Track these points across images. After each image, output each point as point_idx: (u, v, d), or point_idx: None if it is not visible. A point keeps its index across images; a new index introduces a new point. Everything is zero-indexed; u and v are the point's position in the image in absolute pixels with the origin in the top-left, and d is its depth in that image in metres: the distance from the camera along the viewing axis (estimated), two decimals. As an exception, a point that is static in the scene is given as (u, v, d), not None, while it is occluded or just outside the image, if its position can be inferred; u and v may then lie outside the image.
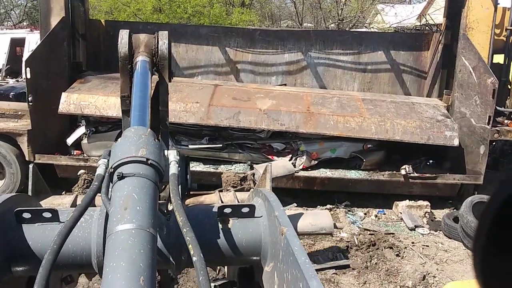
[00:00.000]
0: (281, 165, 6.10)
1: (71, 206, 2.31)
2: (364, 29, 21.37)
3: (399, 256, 5.84)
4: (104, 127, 7.39)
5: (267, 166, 2.79)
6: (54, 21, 7.04)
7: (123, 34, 2.06)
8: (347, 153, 7.12)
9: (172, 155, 1.65)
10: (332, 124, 6.65)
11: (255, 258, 1.71)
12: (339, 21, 20.33)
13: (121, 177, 1.39)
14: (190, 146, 6.96)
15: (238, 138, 7.30)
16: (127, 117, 1.97)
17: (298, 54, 8.51)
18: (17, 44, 17.64)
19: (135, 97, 1.93)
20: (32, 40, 15.51)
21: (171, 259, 1.64)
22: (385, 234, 6.34)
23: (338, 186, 6.96)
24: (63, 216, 1.59)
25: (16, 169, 6.89)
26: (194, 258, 1.22)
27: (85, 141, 7.24)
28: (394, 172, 6.98)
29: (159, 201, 1.57)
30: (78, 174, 3.79)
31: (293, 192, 6.99)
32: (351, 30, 18.50)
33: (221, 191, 3.02)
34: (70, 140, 7.27)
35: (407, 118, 6.79)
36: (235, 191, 3.01)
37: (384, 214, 7.12)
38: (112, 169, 1.46)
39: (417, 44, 8.46)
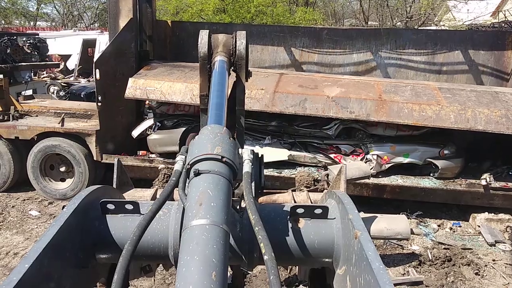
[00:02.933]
0: (356, 166, 5.76)
1: (151, 199, 2.41)
2: (434, 27, 20.32)
3: (479, 274, 5.34)
4: (170, 121, 7.40)
5: (342, 167, 2.71)
6: (123, 22, 7.12)
7: (203, 35, 2.10)
8: (422, 158, 6.64)
9: (246, 153, 1.66)
10: (406, 112, 6.16)
11: (327, 260, 1.69)
12: (407, 19, 19.41)
13: (197, 173, 1.42)
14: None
15: (304, 134, 7.03)
16: (205, 115, 2.01)
17: (368, 54, 8.11)
18: (88, 45, 18.39)
19: (212, 96, 1.96)
20: (103, 41, 16.08)
21: (243, 255, 1.65)
22: (462, 249, 5.84)
23: (410, 195, 6.51)
24: (144, 209, 1.67)
25: (85, 168, 7.03)
26: (265, 257, 1.21)
27: (151, 136, 7.27)
28: (473, 181, 6.43)
29: (233, 198, 1.60)
30: (159, 168, 3.97)
31: (360, 199, 6.63)
32: (421, 28, 17.62)
33: (294, 190, 2.99)
34: (135, 133, 7.33)
35: (490, 106, 6.15)
36: (308, 191, 2.97)
37: (460, 226, 6.59)
38: (189, 166, 1.50)
39: (499, 43, 7.79)
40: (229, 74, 2.12)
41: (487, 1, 24.26)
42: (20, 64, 12.09)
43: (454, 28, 18.94)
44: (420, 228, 6.38)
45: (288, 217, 1.68)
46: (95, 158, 6.97)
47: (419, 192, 6.46)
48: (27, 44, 12.85)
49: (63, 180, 7.37)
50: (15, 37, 12.53)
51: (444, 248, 5.83)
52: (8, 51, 11.91)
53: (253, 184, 1.67)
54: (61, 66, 21.25)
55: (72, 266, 1.54)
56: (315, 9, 24.65)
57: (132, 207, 1.66)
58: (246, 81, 2.20)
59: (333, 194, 1.82)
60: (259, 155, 2.13)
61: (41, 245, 1.35)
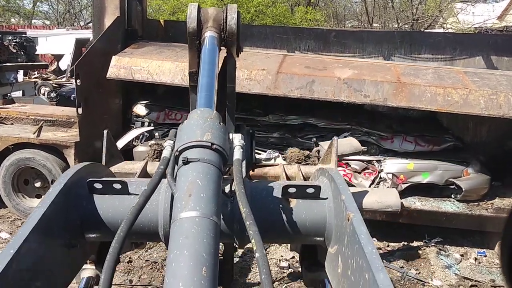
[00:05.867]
0: (347, 142, 5.23)
1: (140, 172, 2.49)
2: (441, 30, 19.58)
3: (514, 318, 4.57)
4: (159, 131, 6.64)
5: (333, 140, 2.72)
6: (108, 21, 6.36)
7: (192, 8, 2.03)
8: (443, 178, 5.86)
9: (237, 139, 1.64)
10: (429, 96, 5.40)
11: (318, 238, 1.68)
12: (413, 21, 18.66)
13: (186, 162, 1.38)
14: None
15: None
16: (194, 94, 2.01)
17: (380, 59, 7.36)
18: (82, 45, 17.54)
19: (202, 76, 1.91)
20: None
21: (234, 234, 1.65)
22: (492, 286, 5.07)
23: (429, 220, 5.74)
24: (132, 188, 1.66)
25: (63, 184, 6.24)
26: (256, 255, 1.18)
27: (137, 148, 6.50)
28: (501, 205, 5.67)
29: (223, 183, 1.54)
30: (149, 144, 3.96)
31: (371, 223, 5.84)
32: (433, 31, 16.90)
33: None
34: (120, 144, 6.53)
35: None
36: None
37: (485, 256, 5.83)
38: (178, 152, 1.45)
39: (526, 48, 7.05)
40: (220, 50, 2.07)
41: (493, 4, 23.59)
42: (4, 64, 11.32)
43: (460, 31, 18.20)
44: (441, 259, 5.61)
45: (280, 196, 1.67)
46: (74, 173, 6.18)
47: (439, 217, 5.68)
48: (13, 44, 12.07)
49: (38, 196, 6.59)
50: (0, 35, 11.77)
51: (472, 286, 5.06)
52: (-8, 50, 11.16)
53: (244, 162, 1.62)
54: (54, 66, 20.52)
55: (61, 246, 1.54)
56: (316, 9, 23.91)
57: (120, 187, 1.64)
58: (237, 56, 2.14)
59: (325, 172, 1.80)
60: (250, 131, 2.15)
61: (29, 227, 1.34)
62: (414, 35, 8.15)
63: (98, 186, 1.63)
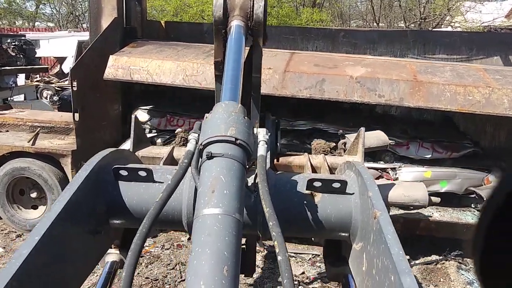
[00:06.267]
0: (374, 135, 4.87)
1: (167, 157, 2.56)
2: (449, 29, 19.18)
3: None
4: (161, 138, 6.30)
5: (360, 132, 2.58)
6: (105, 22, 6.03)
7: None
8: (462, 187, 5.49)
9: (261, 134, 1.60)
10: (448, 96, 5.05)
11: (343, 234, 1.65)
12: (421, 20, 18.25)
13: (210, 156, 1.37)
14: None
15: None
16: (219, 84, 2.01)
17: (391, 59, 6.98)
18: (84, 47, 17.29)
19: (227, 68, 1.88)
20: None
21: (257, 226, 1.63)
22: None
23: (448, 232, 5.36)
24: (157, 175, 1.67)
25: (59, 195, 5.91)
26: (279, 258, 1.15)
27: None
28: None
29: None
30: (176, 132, 3.97)
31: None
32: (442, 30, 16.50)
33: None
34: None
35: None
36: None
37: (509, 269, 5.44)
38: (202, 146, 1.44)
39: (547, 47, 6.66)
40: (246, 39, 2.02)
41: (500, 2, 23.12)
42: (3, 68, 11.04)
43: (469, 30, 17.79)
44: (462, 274, 5.25)
45: (305, 189, 1.64)
46: (71, 183, 5.86)
47: (460, 228, 5.30)
48: (12, 47, 11.80)
49: (35, 207, 6.27)
50: (-2, 39, 11.52)
51: (497, 304, 4.69)
52: (-10, 54, 10.88)
53: (268, 153, 1.58)
54: (56, 69, 20.28)
55: (86, 231, 1.58)
56: (322, 10, 23.54)
57: (145, 174, 1.65)
58: (263, 45, 2.10)
59: (352, 166, 1.75)
60: (275, 120, 2.17)
61: (54, 212, 1.35)
62: (428, 35, 7.78)
63: (124, 173, 1.65)
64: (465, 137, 6.03)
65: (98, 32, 5.98)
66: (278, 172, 1.95)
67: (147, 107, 6.47)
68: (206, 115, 1.61)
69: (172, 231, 6.07)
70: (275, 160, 2.26)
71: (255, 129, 1.60)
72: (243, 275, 2.35)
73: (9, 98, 11.62)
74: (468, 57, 6.84)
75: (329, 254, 1.93)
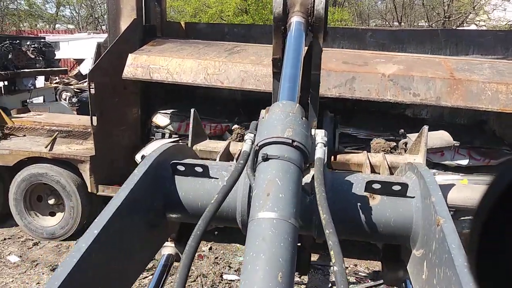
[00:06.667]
0: (438, 135, 4.77)
1: (223, 152, 2.71)
2: (474, 27, 18.62)
3: None
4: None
5: (423, 130, 2.51)
6: (124, 24, 5.83)
7: None
8: None
9: (319, 135, 1.55)
10: (489, 95, 4.72)
11: (402, 239, 1.58)
12: (445, 19, 17.73)
13: (266, 158, 1.35)
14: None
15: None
16: (277, 81, 1.98)
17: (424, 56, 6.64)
18: (103, 46, 17.23)
19: (286, 65, 1.84)
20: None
21: (313, 226, 1.59)
22: None
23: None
24: (213, 171, 1.68)
25: (77, 202, 5.74)
26: (335, 268, 1.10)
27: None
28: None
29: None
30: (233, 128, 3.95)
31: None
32: (464, 28, 15.99)
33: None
34: (139, 157, 6.00)
35: None
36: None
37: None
38: (258, 147, 1.42)
39: None
40: (306, 35, 1.98)
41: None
42: (22, 70, 10.97)
43: (496, 28, 17.23)
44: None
45: (363, 191, 1.59)
46: (89, 190, 5.68)
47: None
48: (31, 49, 11.73)
49: (52, 214, 6.10)
50: (18, 41, 11.42)
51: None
52: (10, 56, 10.81)
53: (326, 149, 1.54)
54: (76, 71, 20.32)
55: (143, 225, 1.60)
56: (344, 9, 23.15)
57: (201, 170, 1.66)
58: (324, 41, 2.06)
59: (414, 168, 1.68)
60: (334, 118, 2.25)
61: (113, 207, 1.38)
62: (460, 34, 7.40)
63: (181, 168, 1.66)
64: (503, 143, 5.67)
65: (117, 34, 5.79)
66: (335, 171, 1.85)
67: (167, 111, 6.25)
68: (263, 113, 1.58)
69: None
70: (332, 158, 2.16)
71: (313, 130, 1.55)
72: (297, 273, 2.33)
73: (28, 100, 11.57)
74: (504, 57, 6.45)
75: (387, 258, 1.86)
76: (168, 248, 1.97)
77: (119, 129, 5.91)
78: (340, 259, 1.12)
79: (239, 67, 5.33)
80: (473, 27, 19.78)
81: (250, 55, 5.62)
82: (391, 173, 3.02)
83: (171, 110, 6.27)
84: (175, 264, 1.84)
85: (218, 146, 2.66)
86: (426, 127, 2.53)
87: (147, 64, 5.52)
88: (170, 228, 1.91)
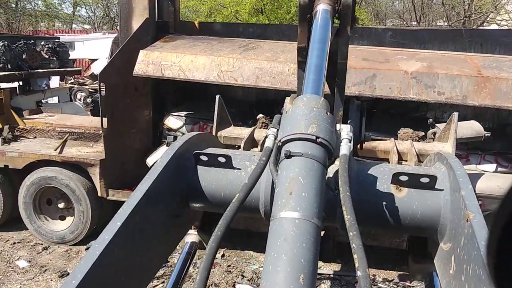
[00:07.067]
0: (468, 125, 4.54)
1: (247, 138, 2.77)
2: (493, 27, 18.14)
3: None
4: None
5: (452, 116, 2.43)
6: (136, 23, 5.67)
7: None
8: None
9: (345, 131, 1.51)
10: None
11: (429, 232, 1.54)
12: (465, 18, 17.29)
13: (289, 155, 1.32)
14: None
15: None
16: (302, 71, 1.93)
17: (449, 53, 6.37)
18: (115, 43, 17.18)
19: (311, 55, 1.76)
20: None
21: (337, 217, 1.53)
22: None
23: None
24: (236, 162, 1.67)
25: (87, 206, 5.60)
26: (358, 273, 1.06)
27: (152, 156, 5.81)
28: None
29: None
30: (257, 118, 3.87)
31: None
32: (483, 28, 15.58)
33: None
34: (150, 160, 5.85)
35: None
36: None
37: None
38: (280, 143, 1.40)
39: None
40: (333, 24, 1.92)
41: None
42: (36, 71, 10.92)
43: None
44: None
45: (390, 182, 1.54)
46: (99, 194, 5.53)
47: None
48: (45, 49, 11.69)
49: (62, 218, 5.97)
50: (32, 41, 11.38)
51: None
52: (24, 56, 10.77)
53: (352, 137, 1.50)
54: (91, 71, 20.34)
55: (166, 215, 1.60)
56: (361, 8, 22.81)
57: (224, 160, 1.65)
58: (351, 29, 1.98)
59: (444, 159, 1.62)
60: (360, 105, 2.10)
61: (137, 198, 1.38)
62: (485, 33, 7.08)
63: (204, 158, 1.65)
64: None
65: (129, 34, 5.63)
66: (361, 160, 1.79)
67: (180, 114, 6.07)
68: (287, 101, 1.53)
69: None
70: (358, 146, 2.04)
71: (338, 125, 1.50)
72: (322, 261, 2.19)
73: (42, 101, 11.54)
74: (532, 58, 6.14)
75: (413, 249, 1.83)
76: (192, 235, 1.96)
77: (130, 131, 5.76)
78: (364, 264, 1.07)
79: (254, 64, 5.12)
80: (493, 26, 19.29)
81: (265, 51, 5.41)
82: (419, 161, 2.95)
83: (184, 113, 6.10)
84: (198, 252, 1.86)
85: (243, 132, 2.61)
86: (456, 114, 2.45)
87: (158, 61, 5.35)
88: (193, 216, 1.91)
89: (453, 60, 5.09)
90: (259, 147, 3.11)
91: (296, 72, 5.08)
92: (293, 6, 18.01)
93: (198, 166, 1.69)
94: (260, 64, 5.09)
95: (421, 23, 22.11)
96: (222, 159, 1.66)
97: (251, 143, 3.14)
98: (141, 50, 5.42)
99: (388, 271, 5.33)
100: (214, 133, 3.29)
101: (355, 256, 1.12)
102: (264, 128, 3.98)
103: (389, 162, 3.23)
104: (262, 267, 5.27)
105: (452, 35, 6.56)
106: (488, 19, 20.57)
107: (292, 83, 4.95)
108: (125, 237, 1.31)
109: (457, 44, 6.39)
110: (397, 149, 2.65)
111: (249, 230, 5.36)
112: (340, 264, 5.32)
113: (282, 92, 4.98)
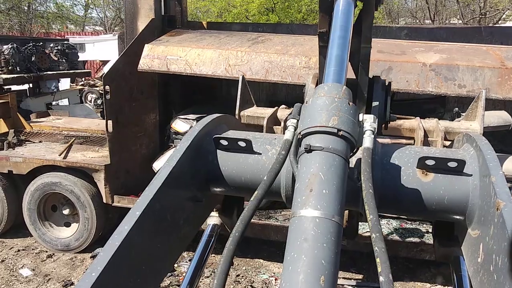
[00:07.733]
0: (496, 114, 4.47)
1: (269, 117, 2.77)
2: (510, 24, 17.70)
3: None
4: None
5: (480, 94, 2.39)
6: (142, 24, 5.50)
7: None
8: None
9: (368, 122, 1.39)
10: None
11: (457, 217, 1.47)
12: (480, 16, 16.88)
13: (309, 150, 1.27)
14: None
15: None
16: (323, 57, 1.91)
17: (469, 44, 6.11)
18: (120, 38, 17.12)
19: (332, 41, 1.68)
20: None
21: (360, 204, 1.42)
22: None
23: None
24: (256, 146, 1.63)
25: (91, 213, 5.43)
26: (381, 278, 1.00)
27: (158, 161, 5.64)
28: None
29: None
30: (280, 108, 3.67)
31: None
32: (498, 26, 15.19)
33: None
34: (156, 165, 5.68)
35: None
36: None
37: None
38: (300, 136, 1.36)
39: None
40: (355, 6, 1.83)
41: None
42: (45, 73, 10.84)
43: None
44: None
45: (415, 166, 1.47)
46: (104, 201, 5.37)
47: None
48: (55, 51, 11.62)
49: (67, 224, 5.82)
50: (41, 43, 11.31)
51: None
52: (33, 58, 10.70)
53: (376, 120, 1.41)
54: (101, 73, 20.32)
55: (188, 198, 1.59)
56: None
57: (244, 145, 1.62)
58: (376, 10, 1.91)
59: (473, 141, 1.52)
60: (385, 84, 2.02)
61: (158, 182, 1.36)
62: (506, 31, 6.79)
63: (224, 142, 1.62)
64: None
65: (134, 34, 5.47)
66: (385, 142, 1.75)
67: (187, 117, 5.89)
68: (309, 81, 1.51)
69: (213, 255, 5.47)
70: (384, 126, 2.14)
71: (361, 115, 1.40)
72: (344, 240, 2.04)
73: (52, 103, 11.47)
74: (556, 57, 5.85)
75: (439, 233, 1.75)
76: (213, 218, 1.94)
77: (136, 135, 5.60)
78: (387, 268, 1.02)
79: (263, 57, 4.91)
80: (510, 24, 18.86)
81: (275, 44, 5.20)
82: (446, 139, 2.90)
83: (192, 116, 5.92)
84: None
85: (266, 112, 2.59)
86: (483, 91, 2.37)
87: (164, 55, 5.18)
88: (214, 200, 1.88)
89: (474, 52, 4.84)
90: (282, 125, 3.08)
91: (307, 65, 4.89)
92: (303, 5, 17.76)
93: (218, 150, 1.64)
94: (270, 58, 4.89)
95: (435, 22, 21.69)
96: (242, 144, 1.61)
97: (274, 120, 3.12)
98: (146, 44, 5.26)
99: (404, 282, 5.09)
100: (237, 112, 3.25)
101: (377, 260, 1.04)
102: (288, 109, 3.90)
103: (414, 141, 3.19)
104: (272, 276, 5.06)
105: (471, 33, 6.30)
106: (504, 16, 20.11)
107: (304, 76, 4.74)
108: (145, 225, 1.28)
109: (476, 42, 6.13)
110: (422, 127, 2.59)
111: (259, 238, 5.16)
112: (353, 273, 5.10)
113: (292, 89, 4.77)
